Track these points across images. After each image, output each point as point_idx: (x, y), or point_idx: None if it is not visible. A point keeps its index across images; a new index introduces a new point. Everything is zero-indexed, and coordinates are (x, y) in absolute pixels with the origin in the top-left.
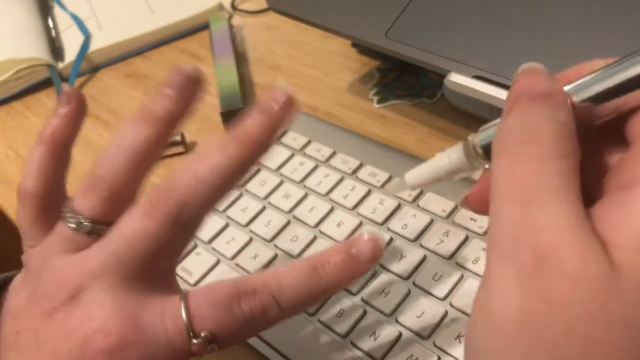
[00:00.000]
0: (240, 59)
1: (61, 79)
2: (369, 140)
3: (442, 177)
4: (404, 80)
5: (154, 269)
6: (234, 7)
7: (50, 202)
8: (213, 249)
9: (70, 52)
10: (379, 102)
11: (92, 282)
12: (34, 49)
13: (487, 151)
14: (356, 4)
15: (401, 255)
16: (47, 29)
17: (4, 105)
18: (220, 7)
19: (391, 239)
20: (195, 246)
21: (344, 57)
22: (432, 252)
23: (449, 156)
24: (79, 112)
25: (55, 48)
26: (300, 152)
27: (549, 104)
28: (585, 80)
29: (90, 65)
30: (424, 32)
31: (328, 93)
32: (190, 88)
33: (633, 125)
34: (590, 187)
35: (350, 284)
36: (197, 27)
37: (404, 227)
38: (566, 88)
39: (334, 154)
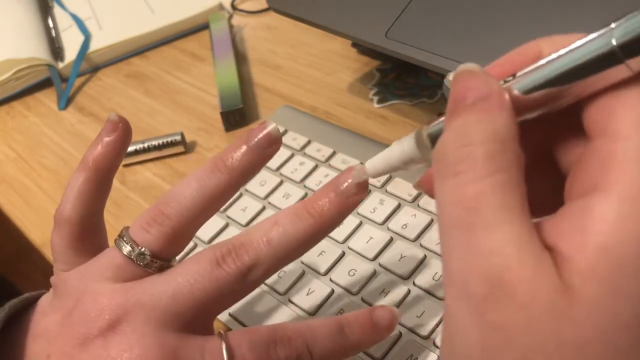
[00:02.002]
0: (240, 59)
1: (61, 79)
2: (369, 140)
3: (398, 166)
4: (404, 80)
5: (205, 313)
6: (234, 7)
7: (88, 229)
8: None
9: (70, 52)
10: (379, 102)
11: (136, 313)
12: (34, 49)
13: (436, 142)
14: (356, 4)
15: (401, 255)
16: (47, 29)
17: (4, 105)
18: (220, 7)
19: (391, 239)
20: (195, 246)
21: (344, 57)
22: (432, 252)
23: (402, 146)
24: (123, 140)
25: (55, 48)
26: (300, 152)
27: (483, 111)
28: (530, 69)
29: (90, 65)
30: (424, 32)
31: (328, 93)
32: (269, 147)
33: (590, 116)
34: (554, 188)
35: (372, 346)
36: (197, 27)
37: (404, 227)
38: (512, 81)
39: (334, 154)
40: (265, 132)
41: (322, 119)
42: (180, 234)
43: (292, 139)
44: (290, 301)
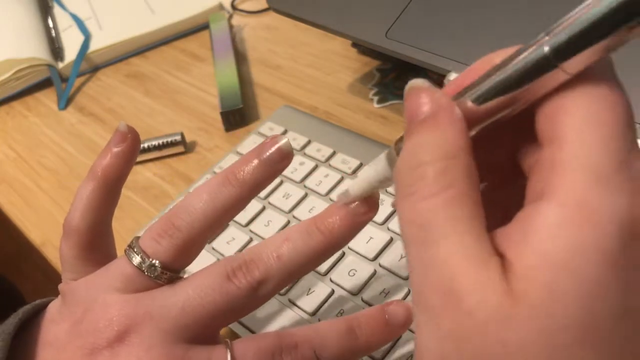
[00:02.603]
0: (240, 59)
1: (61, 79)
2: (369, 140)
3: (376, 185)
4: (404, 80)
5: (214, 325)
6: (234, 7)
7: (96, 238)
8: (213, 248)
9: (70, 52)
10: (379, 102)
11: (145, 324)
12: (34, 49)
13: None
14: (356, 4)
15: (401, 255)
16: (47, 29)
17: (4, 105)
18: (220, 7)
19: (391, 239)
20: None
21: (344, 57)
22: None
23: (376, 165)
24: (132, 150)
25: (55, 48)
26: (300, 152)
27: (432, 128)
28: (481, 78)
29: (90, 65)
30: (424, 32)
31: (328, 93)
32: (281, 162)
33: (539, 123)
34: (515, 194)
35: (383, 345)
36: (197, 27)
37: None
38: (466, 93)
39: (334, 154)
40: (277, 146)
41: (322, 119)
42: (191, 246)
43: (292, 139)
44: (290, 301)
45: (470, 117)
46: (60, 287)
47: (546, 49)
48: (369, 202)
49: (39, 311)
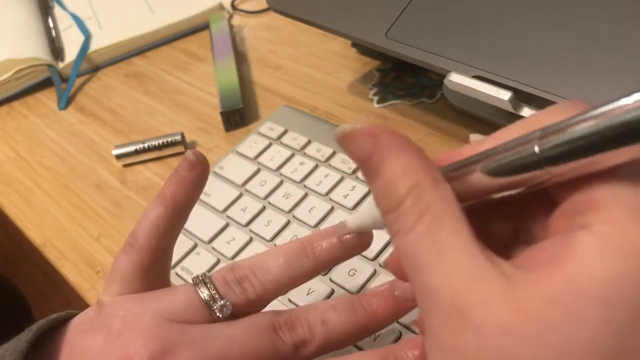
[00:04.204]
0: (240, 59)
1: (61, 79)
2: None
3: (370, 226)
4: (404, 80)
5: None
6: (234, 7)
7: (159, 260)
8: (213, 248)
9: (71, 52)
10: (379, 102)
11: (185, 351)
12: (34, 49)
13: None
14: (356, 4)
15: None
16: (47, 28)
17: (4, 105)
18: (220, 7)
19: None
20: (195, 246)
21: (344, 57)
22: None
23: (370, 207)
24: (202, 177)
25: (56, 48)
26: (300, 152)
27: (378, 171)
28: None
29: (91, 65)
30: (424, 32)
31: (328, 93)
32: (359, 248)
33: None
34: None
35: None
36: (197, 27)
37: None
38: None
39: (334, 154)
40: (358, 237)
41: (322, 119)
42: (258, 302)
43: (292, 139)
44: (290, 301)
45: (475, 187)
46: (102, 297)
47: (536, 149)
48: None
49: (54, 327)
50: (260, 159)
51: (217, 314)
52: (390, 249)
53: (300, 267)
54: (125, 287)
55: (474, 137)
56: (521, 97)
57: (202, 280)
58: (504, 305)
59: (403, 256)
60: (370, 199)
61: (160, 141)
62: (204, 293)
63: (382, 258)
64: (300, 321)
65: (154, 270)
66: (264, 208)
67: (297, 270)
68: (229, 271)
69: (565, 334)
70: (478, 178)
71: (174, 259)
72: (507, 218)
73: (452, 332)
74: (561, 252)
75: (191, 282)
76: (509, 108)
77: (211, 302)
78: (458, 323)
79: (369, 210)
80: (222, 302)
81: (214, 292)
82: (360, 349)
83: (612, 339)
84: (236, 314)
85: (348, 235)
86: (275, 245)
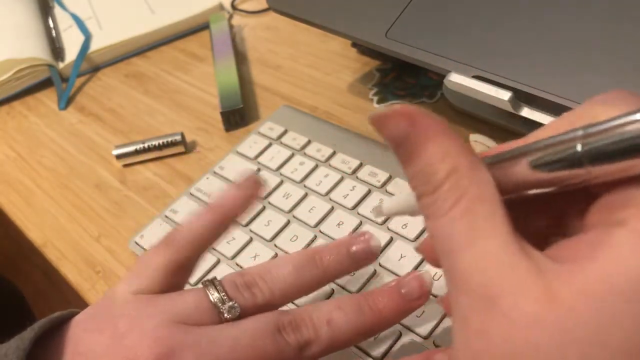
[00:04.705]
0: (240, 59)
1: (61, 79)
2: (369, 140)
3: (406, 212)
4: (404, 80)
5: None
6: (234, 7)
7: (187, 265)
8: (213, 248)
9: (71, 52)
10: (379, 102)
11: (190, 352)
12: (34, 49)
13: None
14: (356, 4)
15: (401, 255)
16: (47, 29)
17: (4, 105)
18: (220, 7)
19: (391, 239)
20: None
21: (344, 57)
22: None
23: (408, 195)
24: (255, 197)
25: (56, 48)
26: (300, 152)
27: (417, 154)
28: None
29: (91, 65)
30: (424, 32)
31: (328, 93)
32: (365, 260)
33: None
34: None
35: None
36: (197, 27)
37: (404, 227)
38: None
39: (333, 154)
40: (367, 245)
41: (322, 119)
42: (266, 306)
43: (292, 139)
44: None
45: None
46: (115, 292)
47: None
48: (422, 289)
49: (56, 325)
50: (260, 159)
51: (226, 315)
52: (390, 250)
53: (309, 276)
54: (148, 283)
55: (474, 137)
56: (521, 97)
57: (212, 282)
58: (534, 295)
59: (436, 238)
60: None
61: (160, 141)
62: (214, 295)
63: (383, 258)
64: (305, 321)
65: (180, 274)
66: (264, 208)
67: (305, 278)
68: (239, 276)
69: (594, 327)
70: (519, 172)
71: None
72: (543, 211)
73: (480, 317)
74: (596, 246)
75: (200, 285)
76: (509, 108)
77: (220, 304)
78: (486, 309)
79: (406, 196)
80: (230, 303)
81: (223, 294)
82: (362, 349)
83: None
84: (243, 316)
85: (355, 247)
86: (275, 245)
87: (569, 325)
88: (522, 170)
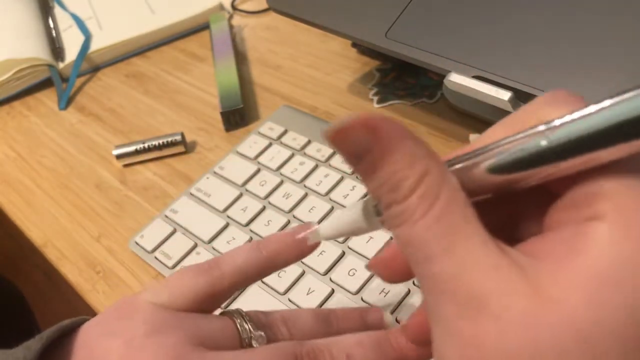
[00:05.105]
0: (240, 59)
1: (61, 79)
2: None
3: (347, 232)
4: (404, 80)
5: None
6: (234, 7)
7: (222, 295)
8: (213, 248)
9: (71, 52)
10: (379, 102)
11: None
12: (34, 49)
13: (380, 212)
14: (356, 4)
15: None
16: (47, 29)
17: (5, 106)
18: (220, 7)
19: (391, 239)
20: (195, 246)
21: (344, 57)
22: None
23: (351, 214)
24: (306, 252)
25: (56, 48)
26: (300, 152)
27: (377, 166)
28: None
29: (91, 65)
30: (424, 32)
31: (328, 93)
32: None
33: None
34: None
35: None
36: (197, 27)
37: None
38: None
39: (334, 154)
40: (382, 320)
41: (322, 119)
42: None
43: (292, 139)
44: (290, 301)
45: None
46: (138, 300)
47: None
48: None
49: (65, 334)
50: (261, 159)
51: (253, 344)
52: None
53: (323, 333)
54: (174, 300)
55: (474, 137)
56: (521, 97)
57: (239, 312)
58: (522, 293)
59: (409, 246)
60: (341, 211)
61: (161, 141)
62: (243, 325)
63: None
64: (324, 354)
65: (208, 303)
66: (264, 208)
67: (319, 334)
68: (264, 316)
69: (588, 319)
70: (480, 175)
71: (174, 259)
72: (497, 213)
73: (470, 321)
74: (576, 241)
75: (221, 313)
76: (509, 108)
77: (247, 334)
78: (475, 312)
79: (346, 216)
80: (257, 333)
81: (251, 324)
82: None
83: (634, 324)
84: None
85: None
86: None
87: (562, 320)
88: (482, 173)
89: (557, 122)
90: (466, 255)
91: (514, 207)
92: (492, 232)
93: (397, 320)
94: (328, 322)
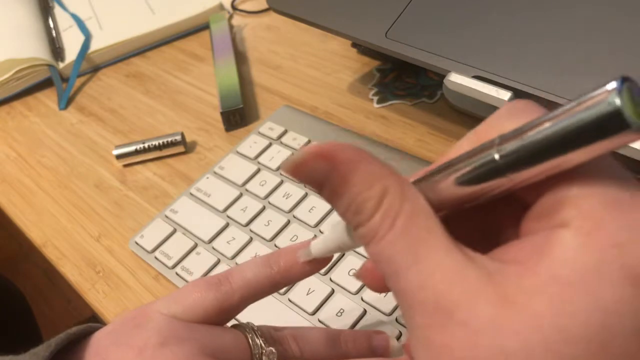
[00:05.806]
0: (240, 59)
1: (61, 79)
2: (369, 140)
3: (335, 249)
4: (403, 80)
5: None
6: (234, 7)
7: (232, 310)
8: (213, 248)
9: (71, 52)
10: (379, 102)
11: None
12: (34, 49)
13: None
14: (356, 4)
15: None
16: (47, 29)
17: (4, 105)
18: (220, 7)
19: None
20: (195, 246)
21: (344, 57)
22: None
23: (335, 231)
24: (316, 268)
25: (56, 48)
26: None
27: (341, 188)
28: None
29: (91, 65)
30: (424, 32)
31: (328, 93)
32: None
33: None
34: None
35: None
36: (197, 27)
37: None
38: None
39: None
40: (387, 344)
41: (322, 119)
42: None
43: (292, 139)
44: (290, 301)
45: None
46: (150, 310)
47: (497, 157)
48: None
49: (73, 340)
50: (261, 159)
51: (263, 359)
52: None
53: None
54: (185, 312)
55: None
56: (521, 97)
57: (251, 327)
58: (488, 300)
59: (379, 262)
60: (332, 225)
61: (161, 141)
62: (253, 339)
63: None
64: None
65: (219, 316)
66: (264, 208)
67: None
68: (274, 331)
69: (553, 325)
70: (445, 189)
71: (174, 259)
72: (474, 223)
73: (440, 331)
74: (543, 247)
75: (232, 326)
76: None
77: (257, 349)
78: (444, 321)
79: (331, 235)
80: (269, 349)
81: (263, 339)
82: None
83: (598, 325)
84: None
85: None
86: (275, 245)
87: (527, 325)
88: (447, 187)
89: (507, 136)
90: (431, 266)
91: (493, 217)
92: (475, 242)
93: (404, 347)
94: (337, 344)
